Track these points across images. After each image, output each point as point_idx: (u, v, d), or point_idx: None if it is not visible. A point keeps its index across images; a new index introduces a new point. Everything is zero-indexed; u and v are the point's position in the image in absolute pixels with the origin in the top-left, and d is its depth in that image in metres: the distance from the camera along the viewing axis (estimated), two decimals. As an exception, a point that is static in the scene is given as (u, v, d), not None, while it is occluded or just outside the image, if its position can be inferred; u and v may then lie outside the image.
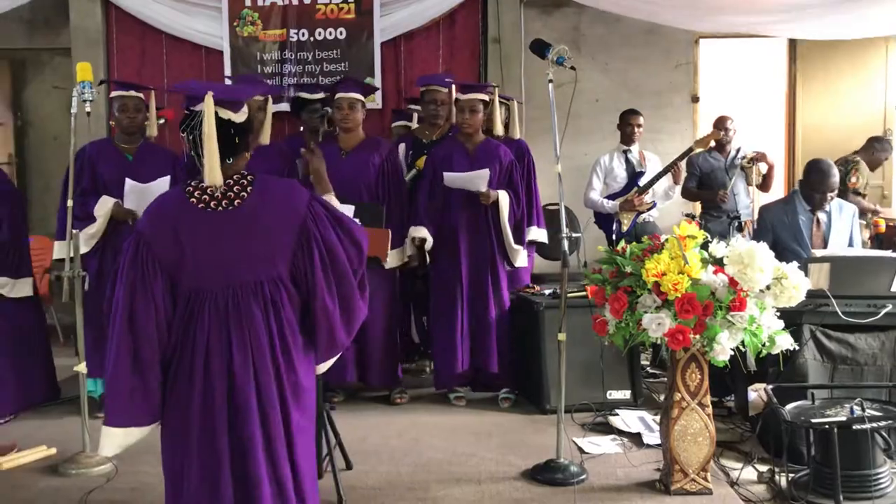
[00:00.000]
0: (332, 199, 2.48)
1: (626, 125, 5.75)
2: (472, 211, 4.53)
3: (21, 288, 4.33)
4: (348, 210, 3.30)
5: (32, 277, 4.43)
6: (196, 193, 2.17)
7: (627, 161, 5.73)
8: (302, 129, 5.11)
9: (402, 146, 5.20)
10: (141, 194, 4.16)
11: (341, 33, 6.45)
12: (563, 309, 3.43)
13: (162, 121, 4.59)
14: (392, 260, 4.44)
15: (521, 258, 4.62)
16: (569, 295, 4.41)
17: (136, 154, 4.45)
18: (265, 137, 4.52)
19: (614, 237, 5.58)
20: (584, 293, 4.01)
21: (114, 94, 4.49)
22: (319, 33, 6.45)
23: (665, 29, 6.75)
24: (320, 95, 5.20)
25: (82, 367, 3.61)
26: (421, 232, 4.54)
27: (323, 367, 2.33)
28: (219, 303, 2.13)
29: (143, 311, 2.13)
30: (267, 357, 2.14)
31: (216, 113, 2.14)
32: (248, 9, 6.43)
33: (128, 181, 4.20)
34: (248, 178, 2.21)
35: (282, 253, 2.16)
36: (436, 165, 4.61)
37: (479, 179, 4.43)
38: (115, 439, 2.19)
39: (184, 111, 2.22)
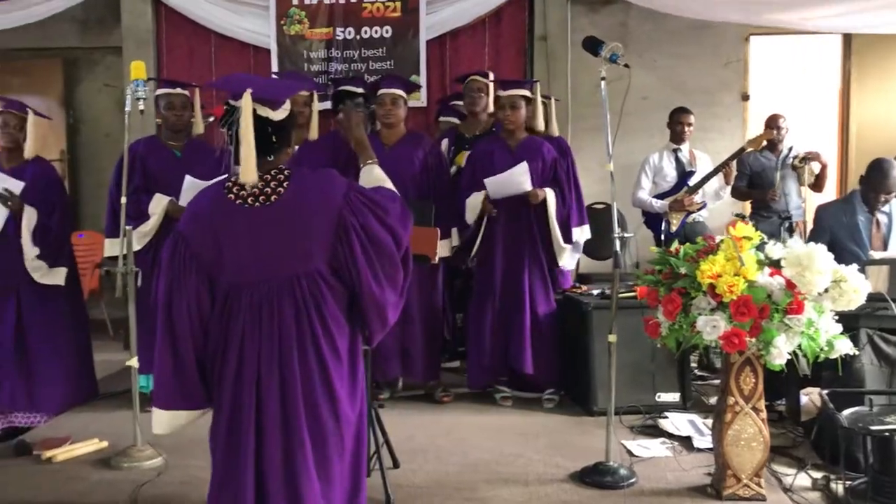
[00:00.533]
0: (375, 168, 2.46)
1: (677, 124, 5.66)
2: (514, 208, 4.47)
3: (54, 276, 4.37)
4: None
5: (66, 269, 4.46)
6: (234, 189, 2.17)
7: (677, 160, 5.64)
8: (335, 125, 5.14)
9: (444, 141, 5.20)
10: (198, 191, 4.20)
11: (387, 31, 6.46)
12: (613, 310, 3.38)
13: (211, 118, 4.63)
14: (441, 251, 4.44)
15: (567, 258, 4.57)
16: (619, 296, 4.40)
17: (184, 151, 4.51)
18: (313, 133, 4.56)
19: (663, 237, 5.51)
20: (633, 294, 3.96)
21: (160, 91, 4.54)
22: (365, 31, 6.46)
23: (714, 26, 6.63)
24: (362, 90, 5.22)
25: (134, 362, 3.66)
26: (478, 197, 4.46)
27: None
28: (254, 298, 2.14)
29: (179, 308, 2.17)
30: (294, 356, 2.13)
31: (254, 110, 2.13)
32: (296, 7, 6.47)
33: (187, 178, 4.25)
34: (285, 172, 2.19)
35: (320, 246, 2.14)
36: (476, 161, 4.58)
37: (520, 176, 4.37)
38: (163, 419, 2.26)
39: (224, 106, 2.24)
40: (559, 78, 6.41)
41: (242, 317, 2.15)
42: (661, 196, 5.58)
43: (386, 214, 2.20)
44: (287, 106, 2.23)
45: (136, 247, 4.09)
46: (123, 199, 3.67)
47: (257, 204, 2.15)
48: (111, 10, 6.74)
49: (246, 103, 2.10)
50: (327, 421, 2.15)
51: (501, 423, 4.18)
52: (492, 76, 5.19)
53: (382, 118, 4.58)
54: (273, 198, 2.15)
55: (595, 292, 4.49)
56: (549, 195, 4.47)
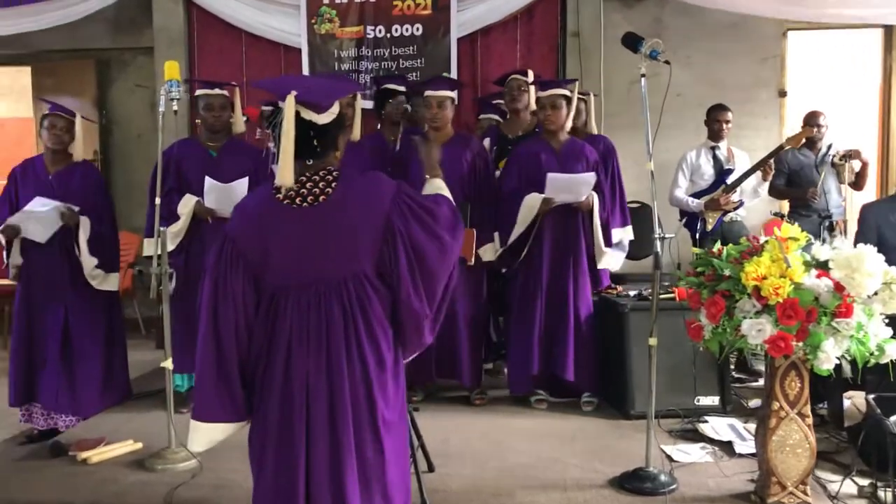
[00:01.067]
0: (437, 181, 2.40)
1: (714, 121, 5.55)
2: (561, 211, 4.40)
3: (111, 282, 4.40)
4: None
5: (118, 273, 4.51)
6: (283, 190, 2.13)
7: (715, 158, 5.53)
8: (380, 125, 5.09)
9: (486, 141, 5.14)
10: (221, 193, 4.19)
11: (418, 29, 6.41)
12: (654, 313, 3.30)
13: (245, 118, 4.61)
14: (485, 255, 4.41)
15: (608, 260, 4.49)
16: (650, 296, 4.32)
17: (221, 151, 4.46)
18: (356, 133, 4.53)
19: (698, 236, 5.41)
20: (671, 295, 3.89)
21: (199, 92, 4.52)
22: (396, 30, 6.43)
23: (751, 21, 6.51)
24: (404, 88, 5.18)
25: (168, 364, 3.65)
26: (536, 198, 4.35)
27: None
28: (301, 301, 2.10)
29: (225, 310, 2.13)
30: (343, 359, 2.09)
31: (298, 113, 2.09)
32: (326, 6, 6.45)
33: (207, 180, 4.23)
34: (334, 173, 2.15)
35: (367, 248, 2.10)
36: (522, 162, 4.50)
37: (584, 185, 4.30)
38: (202, 434, 2.20)
39: (261, 106, 2.21)
40: (592, 75, 6.32)
41: (289, 320, 2.11)
42: (698, 195, 5.48)
43: (434, 221, 2.16)
44: (334, 110, 2.19)
45: (169, 247, 4.09)
46: (158, 200, 3.65)
47: (305, 204, 2.12)
48: (143, 11, 6.76)
49: (289, 106, 2.07)
50: (373, 426, 2.11)
51: (538, 427, 4.11)
52: (531, 75, 5.11)
53: (430, 121, 4.53)
54: (321, 198, 2.12)
55: (632, 293, 4.41)
56: (596, 201, 4.42)
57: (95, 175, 4.51)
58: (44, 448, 3.91)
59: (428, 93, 4.52)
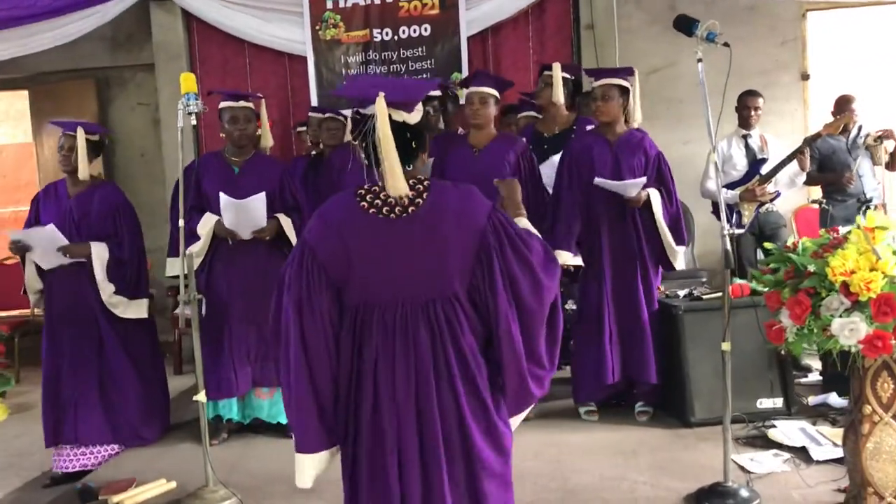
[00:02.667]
0: (525, 223, 2.17)
1: (744, 108, 5.33)
2: (618, 208, 4.15)
3: (135, 309, 4.16)
4: None
5: (148, 299, 4.27)
6: (368, 198, 1.95)
7: (747, 147, 5.32)
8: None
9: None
10: (237, 210, 3.95)
11: (426, 30, 6.22)
12: (726, 315, 3.05)
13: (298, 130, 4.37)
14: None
15: (681, 260, 4.25)
16: (705, 296, 4.10)
17: (244, 166, 4.22)
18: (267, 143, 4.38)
19: (734, 229, 5.19)
20: (719, 294, 3.68)
21: (223, 105, 4.26)
22: (403, 31, 6.23)
23: (768, 3, 6.31)
24: (438, 91, 4.98)
25: (202, 397, 3.40)
26: (564, 257, 4.12)
27: (515, 422, 2.05)
28: (387, 320, 1.92)
29: (313, 330, 1.94)
30: (432, 387, 1.89)
31: (389, 115, 1.89)
32: (330, 11, 6.26)
33: (222, 196, 3.95)
34: (424, 182, 1.97)
35: (458, 267, 1.92)
36: (573, 160, 4.25)
37: (632, 188, 4.05)
38: (308, 466, 1.99)
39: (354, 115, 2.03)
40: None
41: (375, 341, 1.92)
42: (731, 186, 5.26)
43: (529, 253, 1.95)
44: (420, 107, 2.00)
45: (172, 272, 3.87)
46: (181, 222, 3.41)
47: (393, 215, 1.93)
48: (140, 27, 6.56)
49: (381, 109, 1.88)
50: (468, 466, 1.91)
51: (594, 441, 3.87)
52: (557, 68, 4.88)
53: (471, 118, 4.27)
54: (410, 209, 1.93)
55: (681, 293, 4.18)
56: (654, 196, 4.14)
57: (118, 197, 4.24)
58: (71, 491, 3.66)
59: (471, 88, 4.28)
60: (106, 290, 4.05)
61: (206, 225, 4.09)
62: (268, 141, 4.38)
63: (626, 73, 4.27)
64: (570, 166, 4.25)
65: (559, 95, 4.73)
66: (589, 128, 4.59)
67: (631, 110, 4.23)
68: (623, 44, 6.20)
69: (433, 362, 1.90)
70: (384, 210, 1.93)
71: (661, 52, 6.45)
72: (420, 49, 6.25)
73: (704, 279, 5.29)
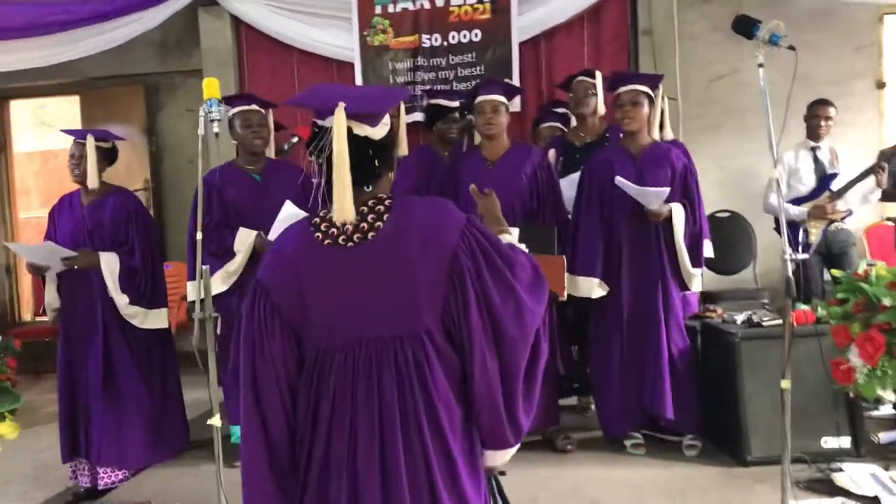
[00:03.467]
0: (508, 239, 1.91)
1: (813, 117, 4.98)
2: (639, 225, 3.88)
3: (154, 319, 4.02)
4: (512, 235, 2.78)
5: (167, 308, 4.14)
6: (322, 227, 1.71)
7: (816, 160, 4.97)
8: (431, 140, 4.71)
9: (551, 152, 4.67)
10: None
11: (476, 35, 6.00)
12: (786, 352, 2.72)
13: (296, 139, 4.21)
14: (580, 290, 3.91)
15: (698, 282, 3.96)
16: (765, 323, 3.77)
17: (264, 174, 4.06)
18: (402, 148, 4.07)
19: (801, 249, 4.83)
20: (781, 322, 3.35)
21: (235, 109, 4.12)
22: (453, 37, 6.03)
23: (842, 7, 5.93)
24: (457, 104, 4.76)
25: (216, 421, 3.22)
26: (590, 285, 3.88)
27: (492, 459, 1.78)
28: (346, 366, 1.66)
29: (266, 379, 1.70)
30: (399, 442, 1.63)
31: (350, 129, 1.67)
32: (379, 16, 6.09)
33: (288, 205, 3.67)
34: (386, 202, 1.72)
35: (429, 297, 1.65)
36: (593, 172, 4.00)
37: (653, 197, 3.77)
38: None
39: (313, 127, 1.77)
40: (668, 75, 5.73)
41: (332, 392, 1.67)
42: (797, 201, 4.91)
43: (511, 274, 1.69)
44: (387, 121, 1.76)
45: (222, 287, 3.72)
46: (199, 236, 3.24)
47: (350, 244, 1.68)
48: (189, 33, 6.50)
49: (339, 121, 1.64)
50: None
51: (638, 478, 3.59)
52: (599, 76, 4.63)
53: (483, 129, 4.08)
54: (370, 235, 1.68)
55: (739, 318, 3.85)
56: (676, 211, 3.85)
57: (131, 205, 4.10)
58: (88, 512, 3.55)
59: (480, 97, 4.07)
60: (120, 301, 3.92)
61: (244, 241, 3.91)
62: (270, 151, 4.21)
63: (655, 80, 4.01)
64: (590, 181, 3.99)
65: (602, 105, 4.49)
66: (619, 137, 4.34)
67: (654, 122, 3.98)
68: (684, 50, 5.91)
69: (400, 415, 1.64)
70: (339, 239, 1.69)
71: (724, 60, 6.15)
72: (470, 55, 6.04)
73: (766, 300, 4.94)
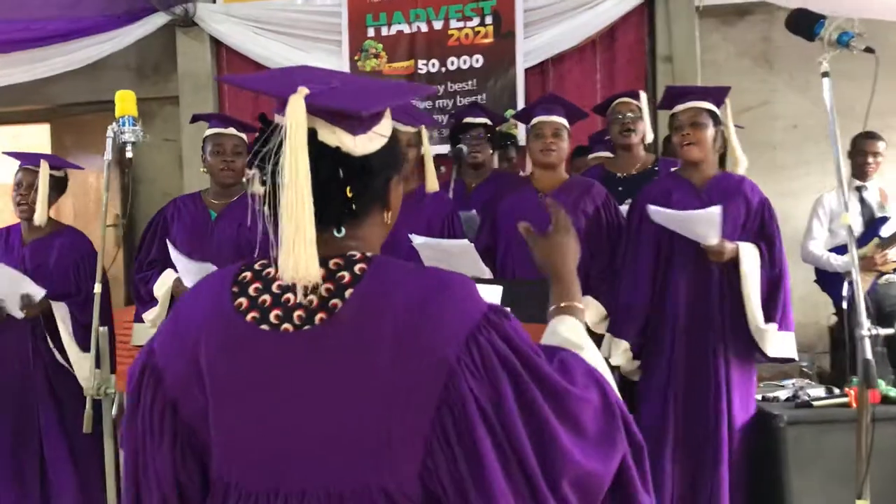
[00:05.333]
0: (568, 321, 1.26)
1: (860, 154, 4.37)
2: (699, 273, 3.18)
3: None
4: (492, 293, 2.13)
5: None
6: (250, 290, 1.10)
7: (863, 202, 4.33)
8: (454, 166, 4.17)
9: None
10: (198, 273, 3.08)
11: (477, 61, 5.47)
12: (865, 460, 2.04)
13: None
14: (615, 358, 3.22)
15: (779, 343, 3.17)
16: (815, 402, 3.10)
17: (225, 212, 3.39)
18: (431, 184, 3.46)
19: (845, 305, 4.16)
20: (841, 400, 2.71)
21: (208, 132, 3.52)
22: (452, 63, 5.50)
23: (887, 30, 5.33)
24: (483, 120, 4.19)
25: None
26: (616, 350, 3.22)
27: None
28: None
29: (148, 498, 1.10)
30: None
31: (313, 133, 1.06)
32: (371, 40, 5.58)
33: (172, 252, 3.06)
34: (358, 265, 1.08)
35: (404, 435, 1.02)
36: (645, 210, 3.29)
37: (705, 223, 3.03)
38: None
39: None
40: (689, 105, 5.22)
41: None
42: (839, 249, 4.27)
43: (559, 408, 1.04)
44: (383, 130, 1.14)
45: (139, 341, 3.11)
46: (97, 288, 2.61)
47: (287, 326, 1.07)
48: (167, 56, 6.01)
49: (294, 116, 1.03)
50: None
51: None
52: (644, 97, 4.01)
53: (539, 156, 3.41)
54: (319, 316, 1.06)
55: (782, 395, 3.17)
56: (746, 252, 3.12)
57: (83, 248, 3.57)
58: None
59: (540, 118, 3.42)
60: (77, 357, 3.39)
61: (163, 284, 3.27)
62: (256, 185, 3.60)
63: (721, 95, 3.32)
64: (642, 219, 3.28)
65: (650, 131, 3.89)
66: (673, 170, 3.66)
67: (731, 146, 3.30)
68: (706, 79, 5.34)
69: None
70: (272, 315, 1.07)
71: (752, 89, 5.57)
72: (470, 82, 5.50)
73: (804, 364, 4.26)
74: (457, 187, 4.08)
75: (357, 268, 1.07)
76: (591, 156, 4.75)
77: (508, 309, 1.69)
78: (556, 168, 3.43)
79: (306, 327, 1.05)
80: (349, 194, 1.09)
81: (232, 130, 3.43)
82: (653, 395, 3.23)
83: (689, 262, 3.18)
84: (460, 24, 5.47)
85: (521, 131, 5.23)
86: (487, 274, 3.13)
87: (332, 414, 1.03)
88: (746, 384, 3.17)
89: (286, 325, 1.06)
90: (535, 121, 3.44)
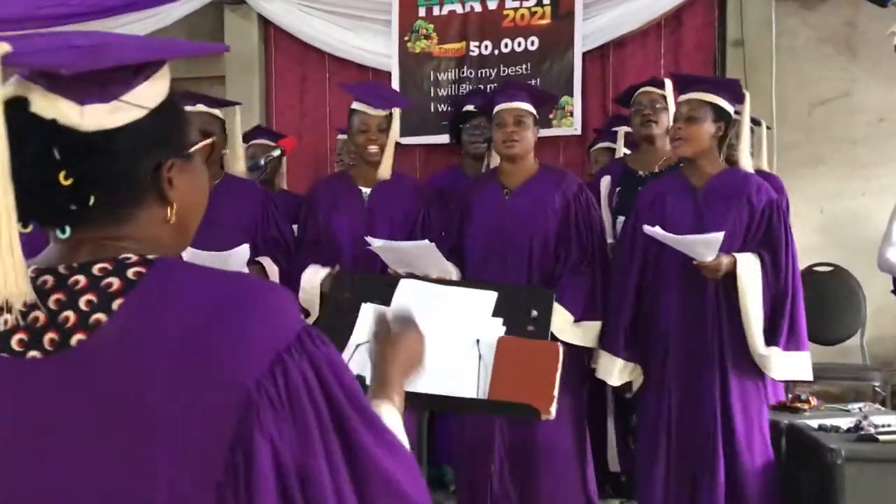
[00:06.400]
0: (389, 412, 1.10)
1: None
2: (691, 283, 2.87)
3: None
4: (483, 300, 1.81)
5: None
6: None
7: (951, 205, 3.87)
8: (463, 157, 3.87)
9: (604, 180, 3.74)
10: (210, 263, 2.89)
11: (532, 43, 5.16)
12: None
13: (277, 152, 3.37)
14: (574, 336, 2.94)
15: (786, 366, 2.85)
16: (882, 435, 2.71)
17: (212, 196, 3.10)
18: (384, 170, 3.23)
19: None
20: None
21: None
22: (506, 45, 5.20)
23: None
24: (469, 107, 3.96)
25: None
26: (611, 369, 2.96)
27: None
28: None
29: None
30: None
31: (21, 101, 0.81)
32: (422, 20, 5.32)
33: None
34: (132, 269, 0.84)
35: (190, 483, 0.77)
36: (642, 209, 3.04)
37: (702, 246, 2.75)
38: None
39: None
40: (761, 95, 4.80)
41: None
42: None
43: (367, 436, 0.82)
44: (142, 97, 0.88)
45: None
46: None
47: (37, 354, 0.82)
48: (217, 35, 5.87)
49: None
50: None
51: None
52: (670, 85, 3.68)
53: (501, 147, 3.18)
54: (77, 338, 0.81)
55: (843, 424, 2.78)
56: (744, 264, 2.79)
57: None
58: None
59: (500, 105, 3.17)
60: None
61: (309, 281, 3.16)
62: (236, 165, 3.37)
63: (732, 87, 3.03)
64: (635, 223, 3.00)
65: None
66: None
67: (738, 148, 2.99)
68: (782, 66, 4.96)
69: None
70: (15, 340, 0.83)
71: (831, 79, 5.13)
72: (524, 66, 5.19)
73: (877, 383, 3.84)
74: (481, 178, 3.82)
75: (131, 272, 0.83)
76: (594, 147, 4.49)
77: (501, 320, 1.42)
78: (520, 159, 3.15)
79: (60, 353, 0.81)
80: (64, 182, 0.83)
81: (201, 107, 3.17)
82: (649, 416, 2.98)
83: (680, 270, 2.88)
84: (516, 4, 5.17)
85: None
86: (455, 274, 2.92)
87: (95, 464, 0.78)
88: (739, 404, 2.84)
89: (33, 353, 0.81)
90: (496, 109, 3.19)
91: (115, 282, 0.83)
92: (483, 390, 1.42)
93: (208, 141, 1.01)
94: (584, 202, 3.14)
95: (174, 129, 0.91)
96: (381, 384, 1.17)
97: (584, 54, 5.08)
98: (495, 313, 1.61)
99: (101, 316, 0.81)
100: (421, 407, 1.48)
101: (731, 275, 2.80)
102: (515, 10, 5.18)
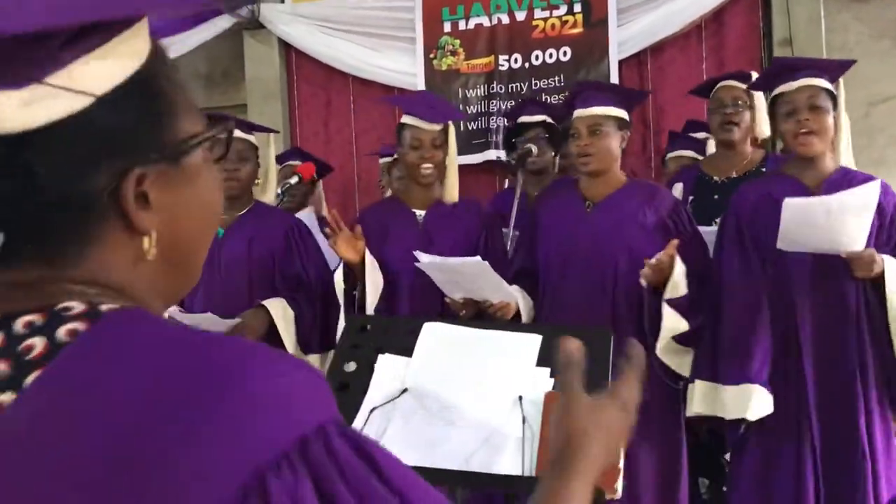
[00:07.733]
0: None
1: None
2: (829, 293, 2.48)
3: None
4: (526, 346, 1.51)
5: None
6: None
7: None
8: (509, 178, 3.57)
9: (676, 187, 3.34)
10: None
11: (565, 54, 4.88)
12: None
13: (294, 180, 3.10)
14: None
15: None
16: None
17: (235, 226, 2.87)
18: (450, 194, 2.87)
19: None
20: None
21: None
22: (537, 57, 4.94)
23: None
24: (542, 117, 3.59)
25: None
26: (747, 399, 2.46)
27: None
28: None
29: None
30: None
31: None
32: (448, 35, 5.09)
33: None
34: (68, 324, 0.56)
35: None
36: (742, 219, 2.61)
37: (860, 207, 2.32)
38: None
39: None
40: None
41: None
42: None
43: None
44: (85, 81, 0.58)
45: None
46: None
47: None
48: (236, 62, 5.69)
49: None
50: None
51: None
52: (755, 77, 3.31)
53: (578, 158, 2.70)
54: None
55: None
56: (892, 266, 2.40)
57: None
58: None
59: (577, 112, 2.70)
60: None
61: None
62: (267, 194, 3.11)
63: (841, 68, 2.66)
64: (738, 228, 2.60)
65: (764, 124, 3.16)
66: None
67: (838, 138, 2.59)
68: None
69: None
70: None
71: (888, 78, 4.75)
72: (557, 78, 4.92)
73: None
74: (521, 199, 3.38)
75: (64, 331, 0.56)
76: (668, 155, 4.06)
77: (548, 371, 1.16)
78: (602, 172, 2.69)
79: None
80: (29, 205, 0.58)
81: (238, 133, 2.88)
82: (769, 453, 2.52)
83: (813, 277, 2.48)
84: (546, 14, 4.91)
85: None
86: (515, 297, 2.54)
87: None
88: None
89: None
90: (574, 115, 2.73)
91: (39, 344, 0.56)
92: (530, 465, 1.11)
93: (216, 130, 0.73)
94: (680, 216, 2.69)
95: (147, 123, 0.63)
96: (565, 479, 0.82)
97: (620, 62, 4.80)
98: (540, 362, 1.30)
99: (5, 396, 0.54)
100: (451, 488, 1.18)
101: (874, 280, 2.40)
102: (545, 20, 4.92)
